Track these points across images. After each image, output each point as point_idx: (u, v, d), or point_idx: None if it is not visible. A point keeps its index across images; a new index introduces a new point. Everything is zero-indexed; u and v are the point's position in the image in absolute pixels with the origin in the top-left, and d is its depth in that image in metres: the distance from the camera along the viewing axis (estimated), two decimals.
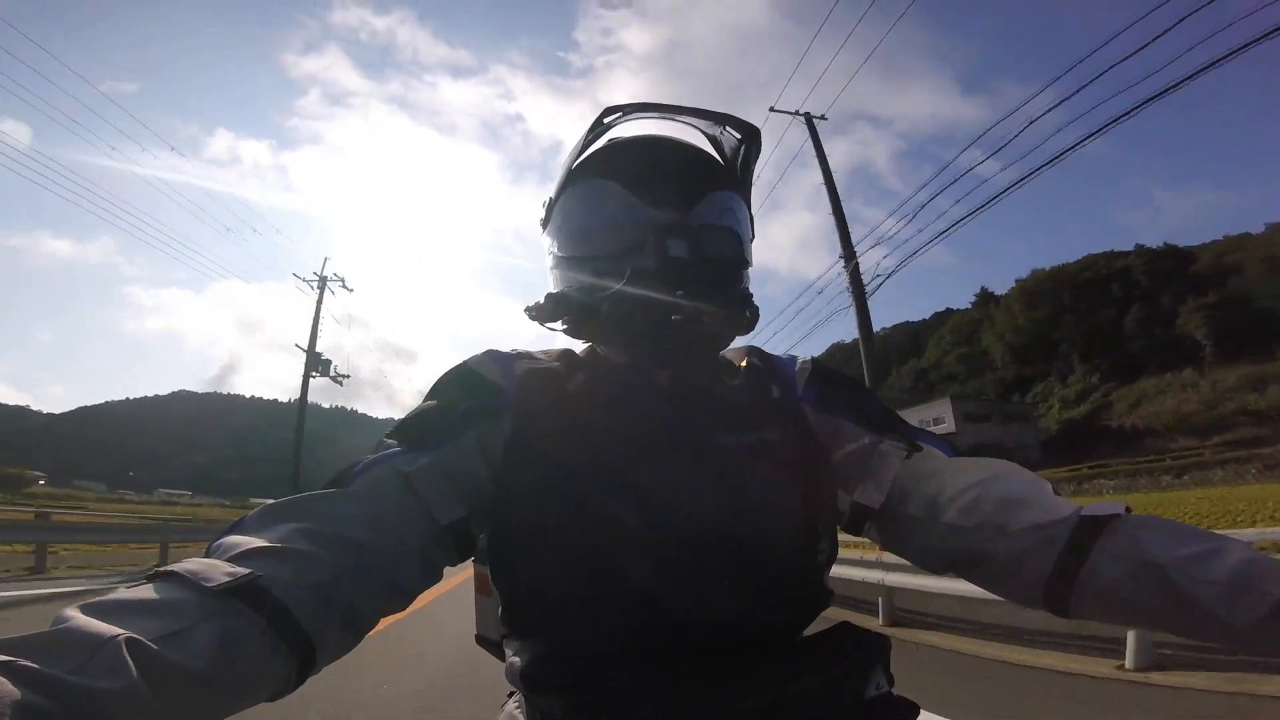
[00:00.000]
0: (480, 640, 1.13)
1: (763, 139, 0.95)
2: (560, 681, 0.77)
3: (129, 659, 0.47)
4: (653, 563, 0.76)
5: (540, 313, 0.95)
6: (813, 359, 0.97)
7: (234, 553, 0.61)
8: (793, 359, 0.97)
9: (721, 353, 0.98)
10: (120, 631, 0.48)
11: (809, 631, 0.86)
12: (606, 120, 0.90)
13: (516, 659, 0.84)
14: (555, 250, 0.95)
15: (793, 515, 0.83)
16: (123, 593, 0.55)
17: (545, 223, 0.98)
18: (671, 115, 0.95)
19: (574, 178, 0.93)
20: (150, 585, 0.57)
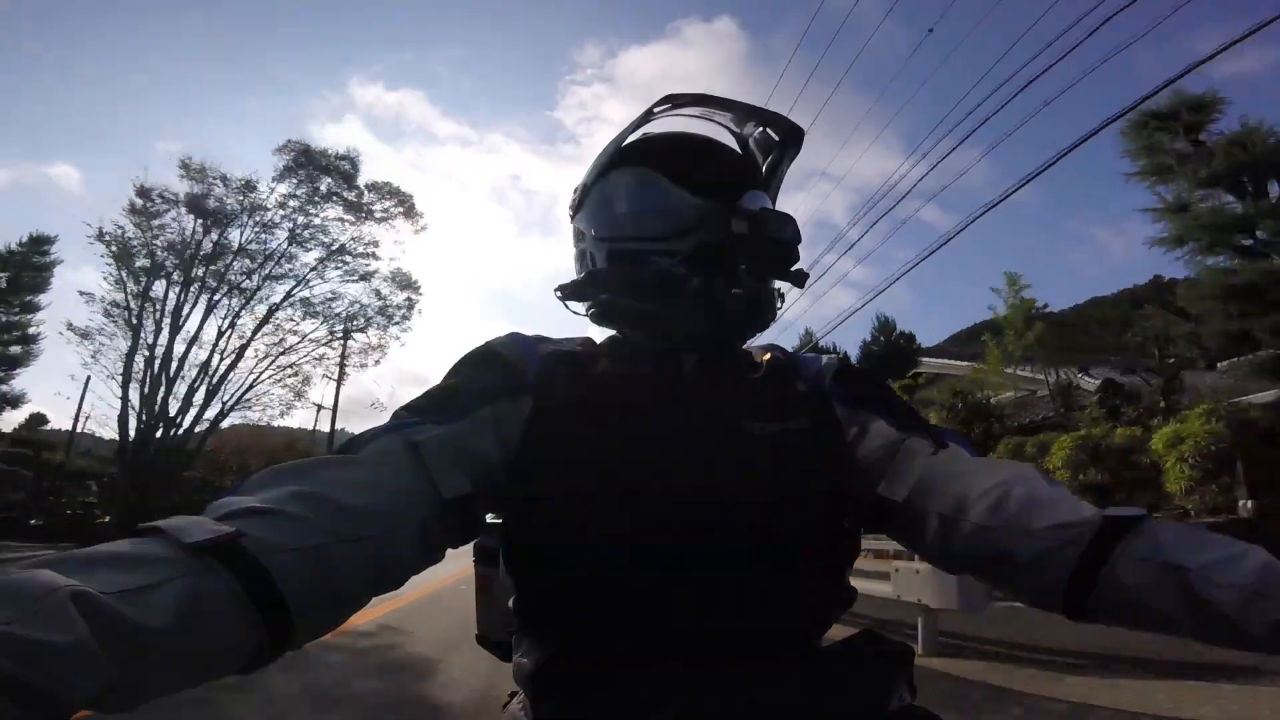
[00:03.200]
0: (482, 641, 0.96)
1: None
2: (570, 683, 0.63)
3: (75, 611, 0.37)
4: (673, 550, 0.63)
5: (575, 290, 0.81)
6: (838, 356, 0.84)
7: (224, 511, 0.50)
8: (817, 356, 0.84)
9: (743, 347, 0.84)
10: (69, 583, 0.38)
11: (831, 635, 0.71)
12: (657, 110, 0.79)
13: (525, 659, 0.68)
14: (593, 233, 0.81)
15: (819, 506, 0.69)
16: (99, 547, 0.45)
17: (576, 207, 0.85)
18: (723, 109, 0.84)
19: (614, 165, 0.80)
20: (129, 541, 0.47)
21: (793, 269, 0.78)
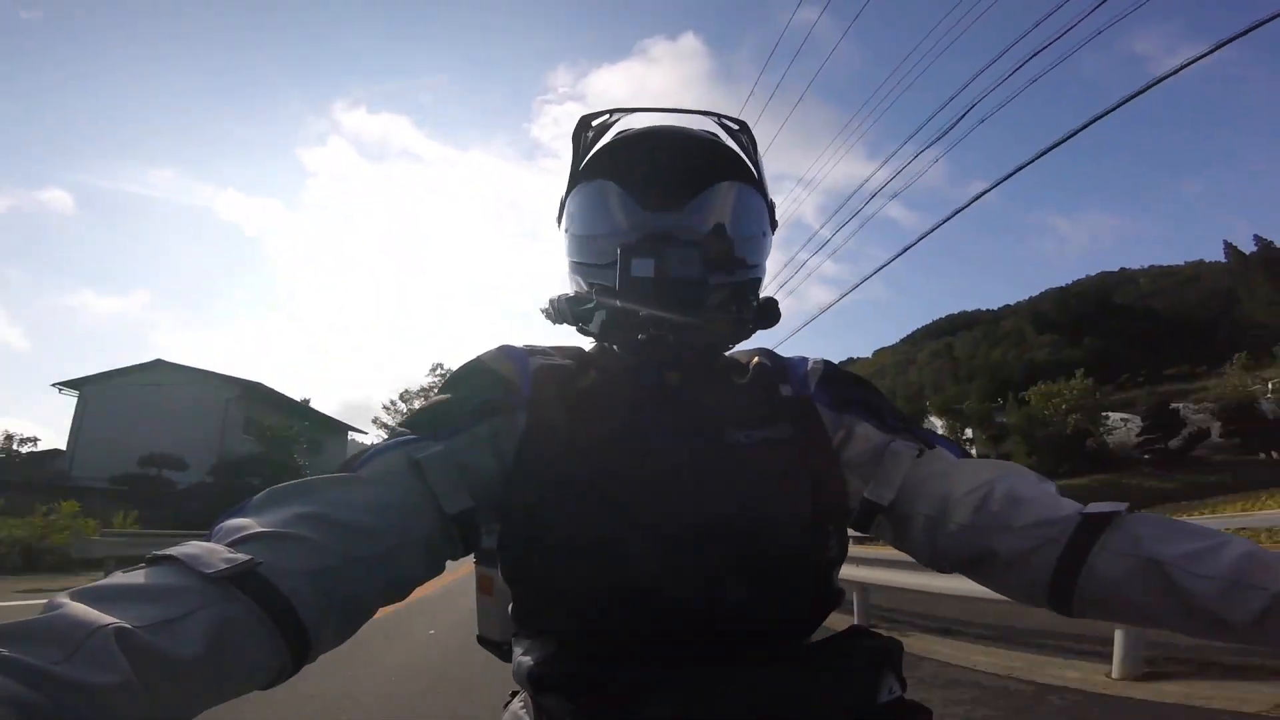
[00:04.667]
0: (482, 641, 0.98)
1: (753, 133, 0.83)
2: (569, 680, 0.64)
3: (119, 650, 0.39)
4: (664, 558, 0.65)
5: (550, 314, 0.83)
6: (824, 360, 0.84)
7: (234, 537, 0.51)
8: (804, 359, 0.84)
9: (730, 353, 0.85)
10: (110, 620, 0.40)
11: (819, 633, 0.73)
12: (594, 124, 0.79)
13: (525, 658, 0.70)
14: (565, 253, 0.84)
15: (803, 511, 0.70)
16: (118, 577, 0.46)
17: (559, 221, 0.86)
18: (655, 114, 0.84)
19: (580, 177, 0.81)
20: (146, 570, 0.47)
21: (711, 300, 0.75)
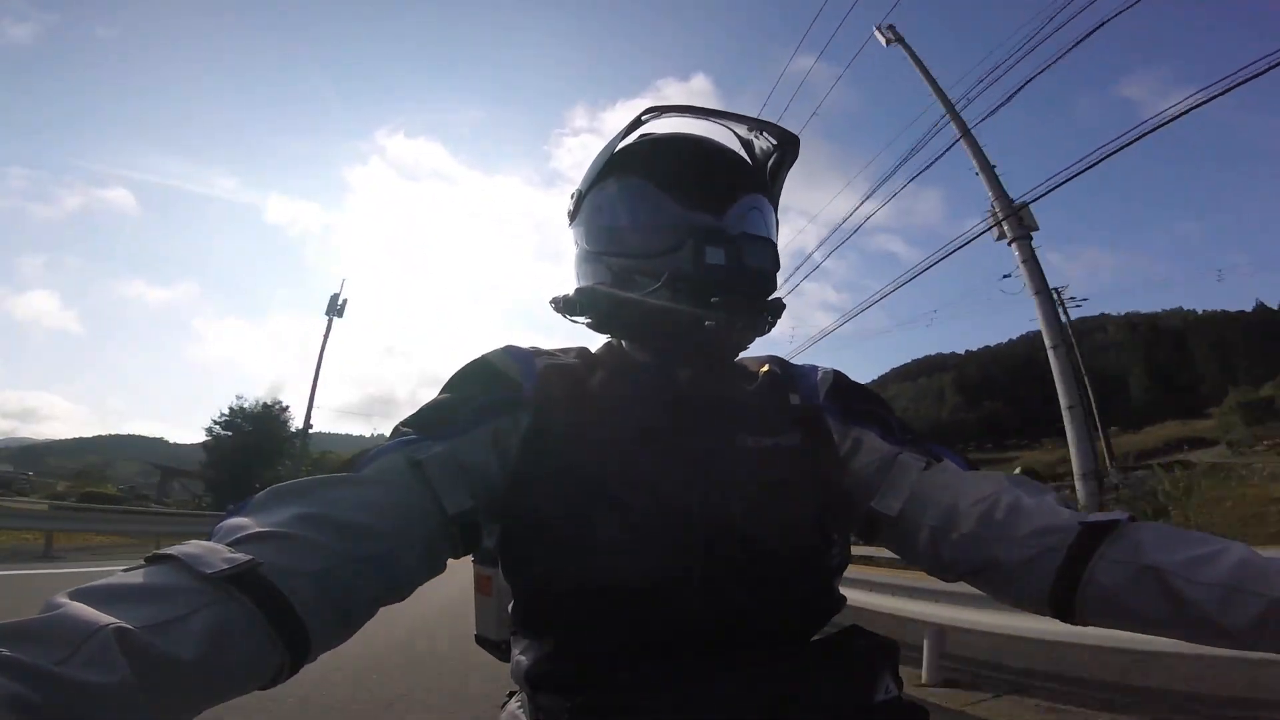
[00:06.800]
0: (480, 640, 0.95)
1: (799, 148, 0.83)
2: (567, 680, 0.64)
3: (118, 650, 0.38)
4: (666, 559, 0.65)
5: (566, 305, 0.80)
6: (833, 370, 0.85)
7: (235, 537, 0.51)
8: (814, 368, 0.85)
9: (739, 358, 0.85)
10: (110, 621, 0.39)
11: (819, 636, 0.74)
12: (645, 118, 0.78)
13: (523, 658, 0.69)
14: (584, 244, 0.80)
15: (807, 518, 0.71)
16: (118, 577, 0.46)
17: (573, 215, 0.83)
18: (710, 118, 0.83)
19: (607, 173, 0.79)
20: (146, 570, 0.47)
21: (769, 298, 0.78)
